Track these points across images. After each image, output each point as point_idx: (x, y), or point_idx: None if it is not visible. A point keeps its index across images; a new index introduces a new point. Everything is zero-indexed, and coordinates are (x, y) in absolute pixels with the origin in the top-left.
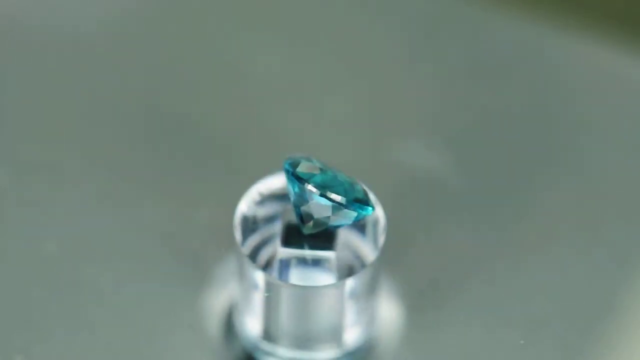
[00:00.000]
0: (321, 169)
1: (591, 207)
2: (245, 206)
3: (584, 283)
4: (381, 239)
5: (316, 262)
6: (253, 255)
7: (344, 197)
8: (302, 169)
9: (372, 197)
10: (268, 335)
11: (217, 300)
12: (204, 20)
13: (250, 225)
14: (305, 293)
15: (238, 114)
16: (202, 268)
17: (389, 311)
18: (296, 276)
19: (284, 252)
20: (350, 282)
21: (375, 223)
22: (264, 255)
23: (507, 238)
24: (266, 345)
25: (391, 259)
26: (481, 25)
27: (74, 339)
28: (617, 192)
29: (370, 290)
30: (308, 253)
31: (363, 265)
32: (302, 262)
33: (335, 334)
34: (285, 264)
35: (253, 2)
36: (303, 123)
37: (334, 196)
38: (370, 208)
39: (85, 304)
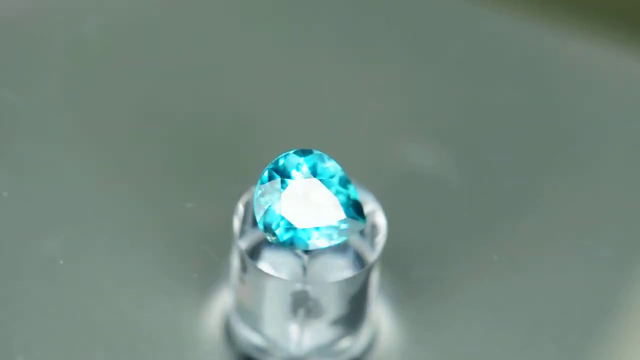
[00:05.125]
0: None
1: (592, 207)
2: (245, 203)
3: (584, 283)
4: (380, 239)
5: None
6: (251, 253)
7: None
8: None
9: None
10: (266, 333)
11: (217, 300)
12: (203, 19)
13: (249, 222)
14: (304, 291)
15: (238, 113)
16: (202, 268)
17: (388, 311)
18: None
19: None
20: (349, 282)
21: (375, 223)
22: (261, 253)
23: (507, 238)
24: (265, 345)
25: (391, 259)
26: (482, 25)
27: (74, 339)
28: (618, 192)
29: (369, 290)
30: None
31: (362, 265)
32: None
33: (334, 333)
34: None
35: (254, 1)
36: (303, 123)
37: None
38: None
39: (85, 304)
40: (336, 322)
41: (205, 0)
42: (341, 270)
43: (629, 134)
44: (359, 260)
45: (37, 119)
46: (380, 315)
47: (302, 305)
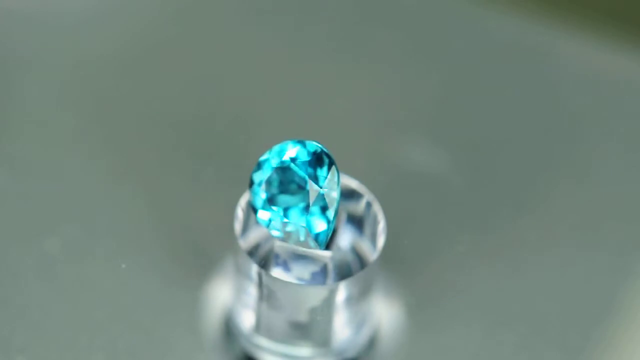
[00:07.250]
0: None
1: (591, 207)
2: (245, 203)
3: (584, 283)
4: (380, 239)
5: (314, 260)
6: (252, 252)
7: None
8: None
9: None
10: (265, 332)
11: (217, 299)
12: (203, 20)
13: (249, 221)
14: (303, 291)
15: (239, 112)
16: (202, 267)
17: (388, 311)
18: (293, 272)
19: (280, 246)
20: (349, 282)
21: (375, 223)
22: (262, 252)
23: (507, 238)
24: (263, 343)
25: (391, 259)
26: (482, 25)
27: (74, 339)
28: (617, 192)
29: (368, 290)
30: (303, 250)
31: (363, 265)
32: (300, 258)
33: (332, 333)
34: (282, 259)
35: (254, 1)
36: (303, 122)
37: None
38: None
39: (85, 304)
40: (295, 327)
41: (204, 0)
42: (341, 271)
43: (629, 134)
44: (359, 260)
45: (37, 119)
46: (381, 315)
47: (260, 289)
